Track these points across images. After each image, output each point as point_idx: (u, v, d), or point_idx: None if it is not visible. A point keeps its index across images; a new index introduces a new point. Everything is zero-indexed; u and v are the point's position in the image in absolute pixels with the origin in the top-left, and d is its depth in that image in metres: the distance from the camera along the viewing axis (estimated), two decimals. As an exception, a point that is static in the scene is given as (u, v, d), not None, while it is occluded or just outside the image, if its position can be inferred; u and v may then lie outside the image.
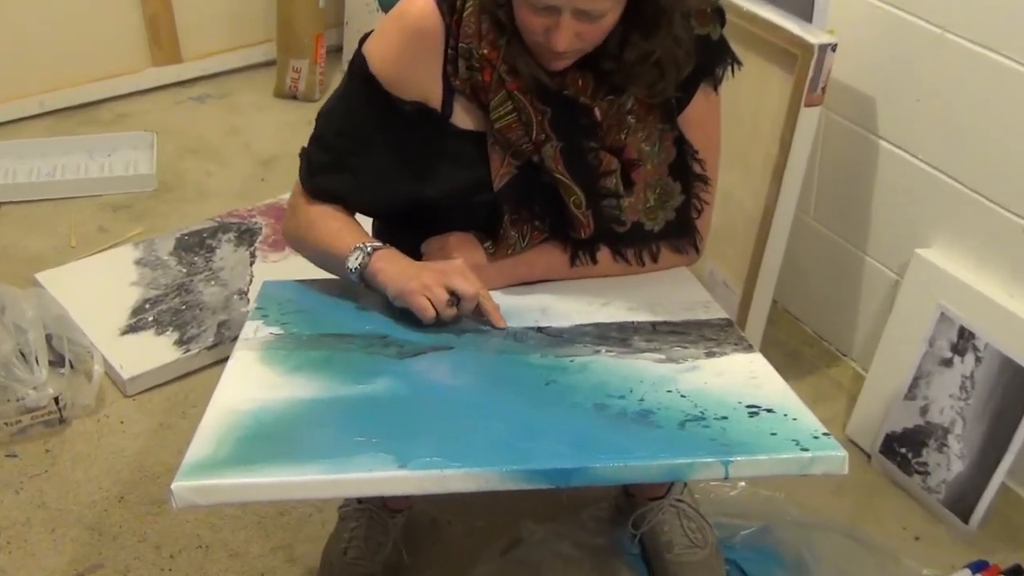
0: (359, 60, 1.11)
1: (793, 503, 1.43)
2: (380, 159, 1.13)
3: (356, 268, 1.09)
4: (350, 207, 1.17)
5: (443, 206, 1.15)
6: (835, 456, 0.87)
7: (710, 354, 1.04)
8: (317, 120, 1.16)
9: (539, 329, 1.09)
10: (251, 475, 0.83)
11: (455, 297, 1.06)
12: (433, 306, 1.05)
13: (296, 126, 2.39)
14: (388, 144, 1.12)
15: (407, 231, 1.18)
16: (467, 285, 1.06)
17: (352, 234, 1.13)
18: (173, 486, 0.81)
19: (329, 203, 1.16)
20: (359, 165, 1.13)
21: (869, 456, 1.55)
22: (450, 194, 1.13)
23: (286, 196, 1.93)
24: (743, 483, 1.45)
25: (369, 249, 1.09)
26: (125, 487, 1.46)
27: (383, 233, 1.24)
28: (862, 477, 1.52)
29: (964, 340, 1.41)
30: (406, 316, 1.07)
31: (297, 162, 1.18)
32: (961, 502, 1.42)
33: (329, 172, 1.15)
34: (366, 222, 1.21)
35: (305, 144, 1.18)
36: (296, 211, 1.18)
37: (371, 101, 1.10)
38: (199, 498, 0.82)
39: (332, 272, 1.15)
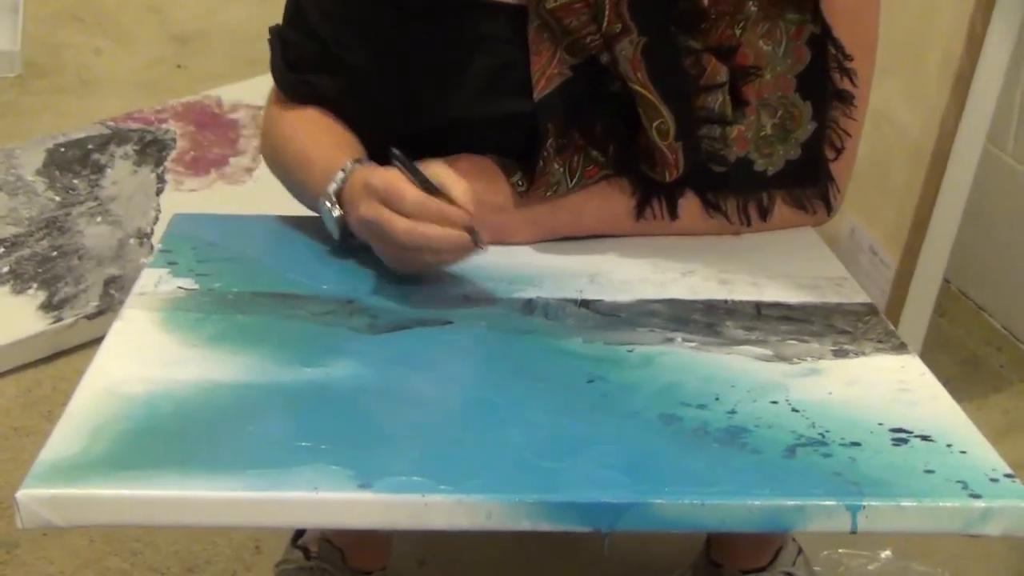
0: None
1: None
2: (379, 48, 1.15)
3: (331, 205, 1.11)
4: (347, 121, 1.20)
5: (458, 118, 1.17)
6: (1023, 509, 0.87)
7: (841, 352, 1.04)
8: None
9: (583, 303, 1.10)
10: (136, 485, 0.83)
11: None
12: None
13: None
14: (390, 27, 1.15)
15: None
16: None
17: (338, 149, 1.15)
18: (19, 494, 0.82)
19: (313, 104, 1.19)
20: (351, 59, 1.16)
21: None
22: (468, 99, 1.15)
23: (214, 92, 1.94)
24: (887, 552, 1.44)
25: (351, 172, 1.11)
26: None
27: None
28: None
29: None
30: (387, 273, 1.09)
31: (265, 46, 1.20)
32: None
33: (311, 66, 1.19)
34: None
35: (278, 22, 1.22)
36: (270, 122, 1.22)
37: None
38: (55, 514, 0.82)
39: (314, 211, 1.18)
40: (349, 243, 1.14)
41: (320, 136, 1.18)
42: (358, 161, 1.12)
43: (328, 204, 1.11)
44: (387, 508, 0.83)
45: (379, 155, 1.17)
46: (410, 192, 1.03)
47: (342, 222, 1.12)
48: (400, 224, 1.02)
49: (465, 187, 1.05)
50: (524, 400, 0.95)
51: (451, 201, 1.03)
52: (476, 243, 1.04)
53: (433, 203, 1.03)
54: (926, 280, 1.62)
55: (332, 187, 1.11)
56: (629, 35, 1.12)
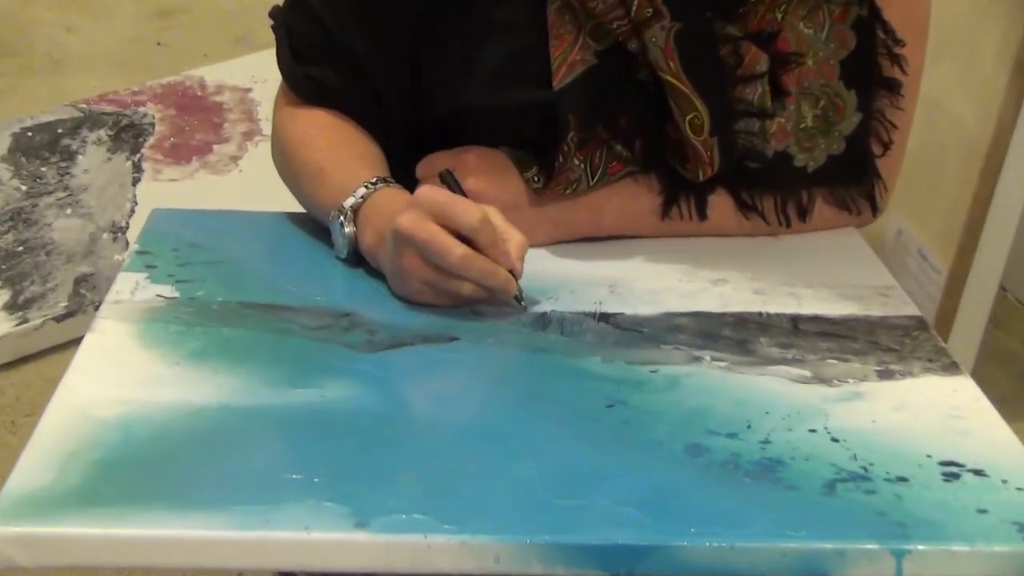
0: None
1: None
2: (384, 32, 1.16)
3: (345, 220, 1.11)
4: (352, 114, 1.21)
5: (469, 109, 1.17)
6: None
7: (886, 374, 1.04)
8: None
9: (602, 316, 1.10)
10: (110, 523, 0.83)
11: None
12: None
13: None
14: (395, 9, 1.15)
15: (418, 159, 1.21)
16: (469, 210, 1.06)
17: (359, 162, 1.15)
18: (-17, 532, 0.82)
19: (326, 106, 1.20)
20: (355, 45, 1.17)
21: None
22: (480, 87, 1.16)
23: (197, 72, 1.94)
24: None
25: (373, 190, 1.11)
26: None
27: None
28: None
29: None
30: (388, 284, 1.10)
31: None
32: None
33: (314, 55, 1.19)
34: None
35: (277, 3, 1.22)
36: (281, 123, 1.23)
37: None
38: (22, 554, 0.82)
39: (322, 223, 1.18)
40: (353, 262, 1.14)
41: (339, 146, 1.18)
42: (384, 180, 1.12)
43: (342, 219, 1.11)
44: (386, 550, 0.83)
45: (386, 151, 1.18)
46: (475, 213, 1.03)
47: (353, 241, 1.12)
48: (458, 249, 1.02)
49: (522, 240, 1.06)
50: (536, 428, 0.95)
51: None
52: (519, 299, 1.07)
53: (493, 230, 1.03)
54: (980, 288, 1.62)
55: (350, 201, 1.11)
56: (661, 20, 1.11)
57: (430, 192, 1.04)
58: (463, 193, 1.09)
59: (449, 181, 1.10)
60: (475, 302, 1.08)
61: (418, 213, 1.03)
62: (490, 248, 1.03)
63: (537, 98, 1.15)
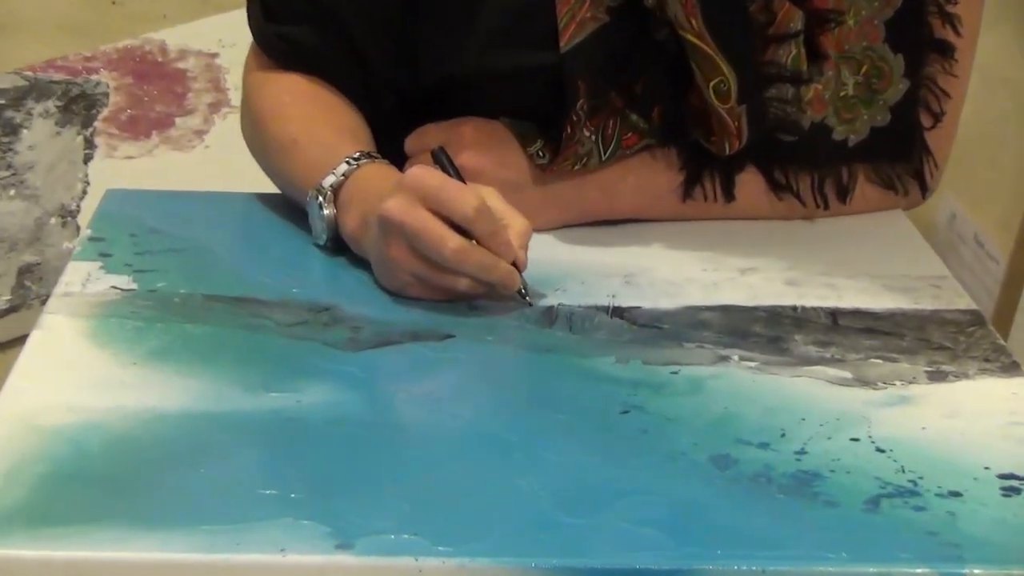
0: None
1: None
2: None
3: (324, 202, 1.11)
4: (332, 78, 1.21)
5: (465, 74, 1.18)
6: None
7: (937, 375, 1.04)
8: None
9: (616, 311, 1.10)
10: (61, 545, 0.83)
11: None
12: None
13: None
14: None
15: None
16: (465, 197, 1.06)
17: (339, 135, 1.16)
18: (-81, 556, 0.82)
19: (302, 70, 1.20)
20: (342, 1, 1.18)
21: None
22: (477, 49, 1.16)
23: (157, 35, 1.94)
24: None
25: (356, 166, 1.12)
26: None
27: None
28: None
29: None
30: (374, 274, 1.10)
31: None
32: None
33: (290, 10, 1.20)
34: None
35: None
36: (251, 90, 1.23)
37: None
38: (-35, 581, 0.83)
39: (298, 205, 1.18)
40: (333, 248, 1.14)
41: (317, 116, 1.18)
42: (369, 155, 1.12)
43: (320, 200, 1.11)
44: (371, 574, 0.83)
45: (371, 122, 1.18)
46: (471, 200, 1.02)
47: (333, 224, 1.12)
48: (452, 240, 1.02)
49: (526, 225, 1.05)
50: (542, 437, 0.95)
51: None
52: (523, 294, 1.07)
53: (492, 217, 1.03)
54: (1045, 279, 1.62)
55: (330, 180, 1.11)
56: None
57: (420, 174, 1.04)
58: (457, 173, 1.08)
59: (441, 159, 1.10)
60: (473, 297, 1.08)
61: (406, 198, 1.03)
62: (489, 238, 1.03)
63: (542, 61, 1.15)
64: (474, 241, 1.03)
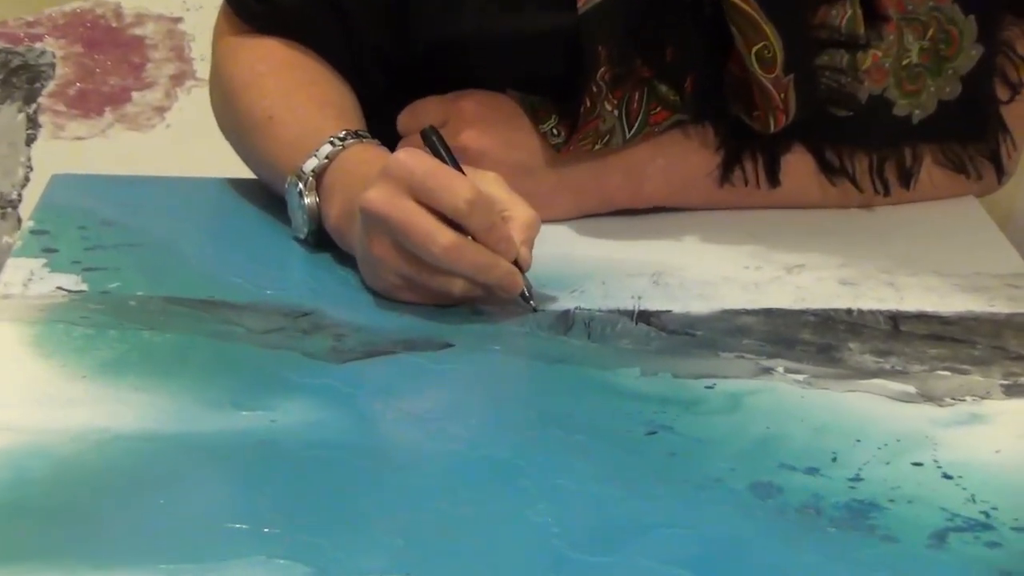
0: None
1: None
2: None
3: (304, 188, 1.12)
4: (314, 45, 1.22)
5: (468, 38, 1.19)
6: None
7: (1014, 390, 1.04)
8: None
9: (641, 316, 1.11)
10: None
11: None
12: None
13: None
14: None
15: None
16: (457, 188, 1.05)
17: (322, 111, 1.17)
18: None
19: (280, 34, 1.21)
20: None
21: None
22: (482, 9, 1.17)
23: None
24: None
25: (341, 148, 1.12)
26: None
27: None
28: None
29: None
30: (360, 275, 1.10)
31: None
32: None
33: None
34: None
35: None
36: (221, 58, 1.24)
37: None
38: None
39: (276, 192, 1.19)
40: (315, 242, 1.14)
41: (297, 89, 1.19)
42: (356, 134, 1.11)
43: (301, 186, 1.11)
44: (357, 622, 0.84)
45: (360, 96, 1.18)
46: (463, 189, 1.02)
47: (315, 215, 1.12)
48: (442, 237, 1.01)
49: (531, 217, 1.05)
50: (554, 461, 0.95)
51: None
52: (527, 298, 1.06)
53: (488, 208, 1.02)
54: None
55: (311, 164, 1.11)
56: None
57: (405, 158, 1.04)
58: (452, 156, 1.07)
59: (432, 140, 1.08)
60: (471, 301, 1.08)
61: (389, 187, 1.02)
62: (486, 233, 1.03)
63: (556, 24, 1.15)
64: (470, 237, 1.03)
